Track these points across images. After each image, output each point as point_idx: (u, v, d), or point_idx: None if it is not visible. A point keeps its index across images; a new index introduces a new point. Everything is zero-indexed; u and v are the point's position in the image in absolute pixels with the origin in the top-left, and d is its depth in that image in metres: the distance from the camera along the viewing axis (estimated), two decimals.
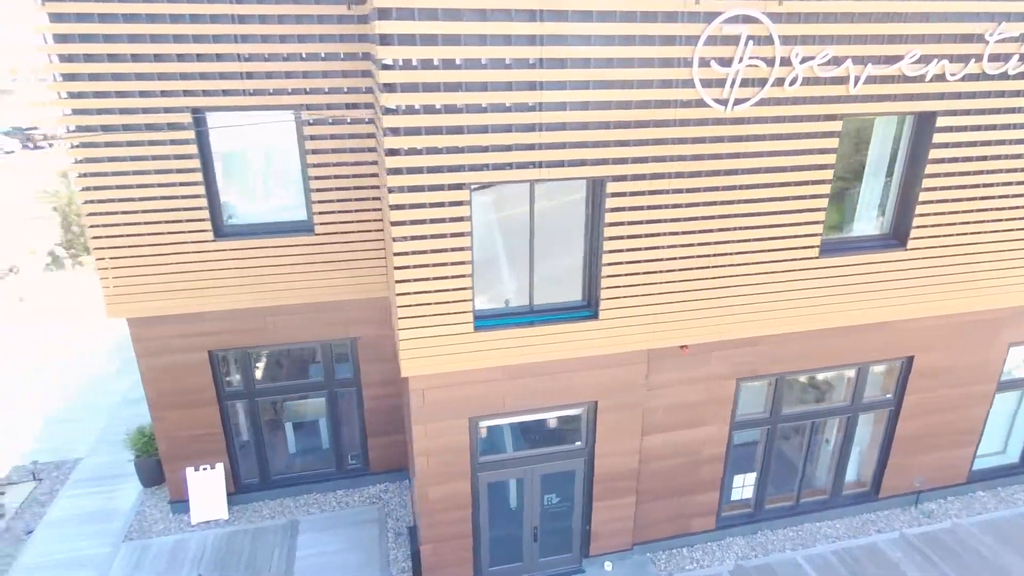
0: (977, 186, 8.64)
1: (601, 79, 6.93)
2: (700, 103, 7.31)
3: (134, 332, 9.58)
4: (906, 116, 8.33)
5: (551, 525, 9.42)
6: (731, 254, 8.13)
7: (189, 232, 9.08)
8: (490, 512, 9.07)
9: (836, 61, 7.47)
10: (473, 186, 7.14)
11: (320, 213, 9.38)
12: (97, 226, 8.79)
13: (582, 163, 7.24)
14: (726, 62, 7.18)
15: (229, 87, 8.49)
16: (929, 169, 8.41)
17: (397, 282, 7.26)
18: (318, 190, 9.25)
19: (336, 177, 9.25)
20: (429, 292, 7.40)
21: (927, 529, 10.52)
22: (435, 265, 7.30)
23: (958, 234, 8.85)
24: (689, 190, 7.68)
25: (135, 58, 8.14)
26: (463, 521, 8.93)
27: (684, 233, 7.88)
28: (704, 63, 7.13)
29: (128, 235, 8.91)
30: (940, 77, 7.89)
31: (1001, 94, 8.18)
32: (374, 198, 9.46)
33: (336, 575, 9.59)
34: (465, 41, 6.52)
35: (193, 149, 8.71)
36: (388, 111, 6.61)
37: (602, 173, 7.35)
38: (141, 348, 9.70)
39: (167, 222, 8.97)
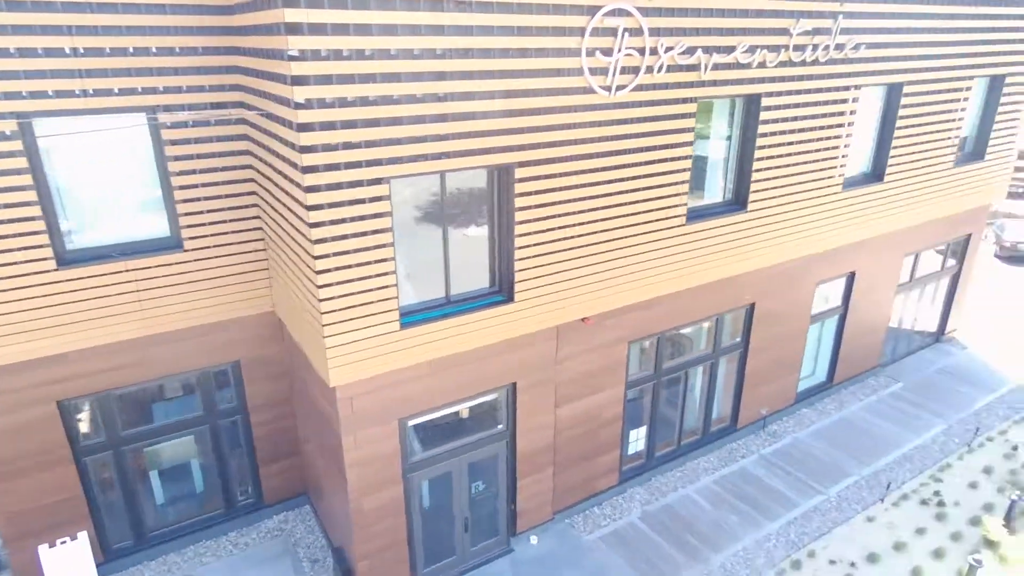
0: (791, 154, 10.41)
1: (503, 69, 7.18)
2: (588, 90, 7.90)
3: None
4: (739, 98, 9.74)
5: (479, 512, 9.54)
6: (618, 228, 8.90)
7: (24, 263, 7.59)
8: (422, 513, 8.93)
9: (690, 51, 8.54)
10: (390, 180, 6.97)
11: (189, 227, 8.40)
12: None
13: (491, 151, 7.43)
14: (608, 52, 7.84)
15: (62, 87, 7.24)
16: (758, 143, 9.95)
17: (320, 287, 6.85)
18: (185, 201, 8.28)
19: (205, 185, 8.35)
20: (353, 294, 7.09)
21: (776, 447, 12.48)
22: (358, 265, 7.02)
23: (782, 195, 10.60)
24: (582, 171, 8.25)
25: None
26: (397, 528, 8.68)
27: (580, 212, 8.45)
28: (590, 53, 7.72)
29: None
30: (762, 64, 9.38)
31: (804, 78, 9.95)
32: (249, 205, 8.70)
33: None
34: (376, 31, 6.35)
35: (21, 163, 7.29)
36: (300, 106, 6.21)
37: (509, 160, 7.61)
38: None
39: None
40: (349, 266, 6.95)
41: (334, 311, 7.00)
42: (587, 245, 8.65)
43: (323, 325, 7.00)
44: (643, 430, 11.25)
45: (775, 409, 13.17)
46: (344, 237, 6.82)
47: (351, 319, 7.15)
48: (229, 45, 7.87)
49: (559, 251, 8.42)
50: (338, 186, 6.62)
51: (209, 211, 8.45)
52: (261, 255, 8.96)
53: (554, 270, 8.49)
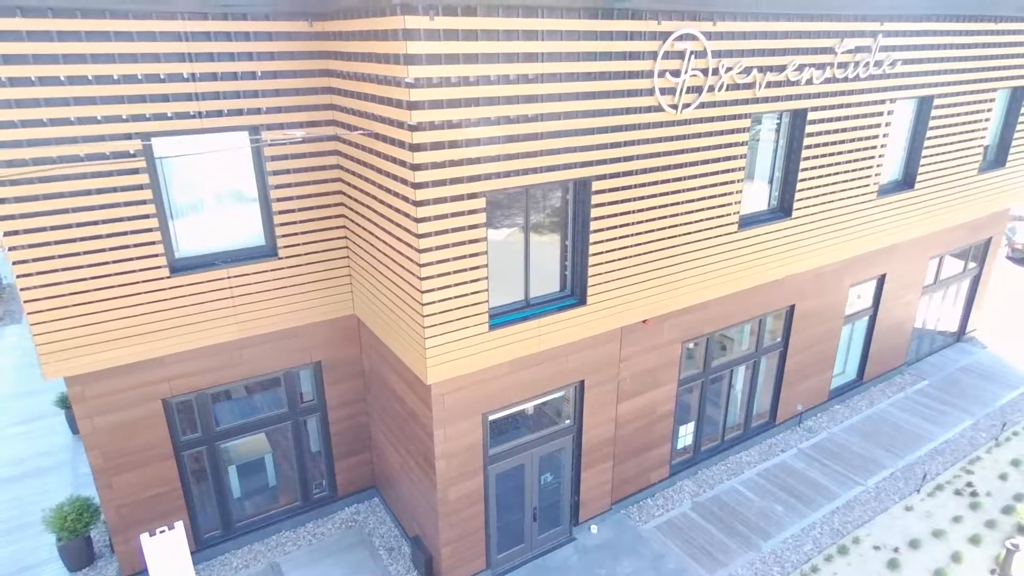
0: (832, 164, 11.07)
1: (586, 91, 7.83)
2: (658, 108, 8.55)
3: (75, 391, 8.39)
4: (787, 113, 10.39)
5: (546, 503, 10.16)
6: (679, 235, 9.54)
7: (141, 271, 8.22)
8: (497, 503, 9.55)
9: (747, 70, 9.19)
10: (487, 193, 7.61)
11: (284, 236, 9.03)
12: (28, 275, 7.60)
13: (572, 166, 8.07)
14: (676, 73, 8.49)
15: (179, 109, 7.89)
16: (803, 154, 10.60)
17: (424, 292, 7.47)
18: (280, 212, 8.92)
19: (298, 197, 8.99)
20: (451, 299, 7.71)
21: (813, 441, 13.12)
22: (456, 272, 7.64)
23: (824, 203, 11.25)
24: (650, 183, 8.90)
25: (71, 80, 7.24)
26: (476, 517, 9.31)
27: (646, 220, 9.09)
28: (661, 74, 8.37)
29: (68, 280, 7.84)
30: (810, 81, 10.04)
31: (846, 93, 10.61)
32: (335, 216, 9.34)
33: None
34: (481, 59, 7.00)
35: (143, 179, 7.93)
36: (414, 128, 6.85)
37: (587, 174, 8.25)
38: (84, 409, 8.52)
39: (114, 262, 8.04)
40: (448, 273, 7.58)
41: (434, 314, 7.63)
42: (651, 251, 9.29)
43: (424, 327, 7.63)
44: (691, 425, 11.89)
45: (810, 406, 13.81)
46: (445, 247, 7.45)
47: (448, 322, 7.78)
48: (323, 68, 8.51)
49: (627, 257, 9.06)
50: (443, 200, 7.25)
51: (302, 221, 9.09)
52: (344, 263, 9.60)
53: (622, 275, 9.12)
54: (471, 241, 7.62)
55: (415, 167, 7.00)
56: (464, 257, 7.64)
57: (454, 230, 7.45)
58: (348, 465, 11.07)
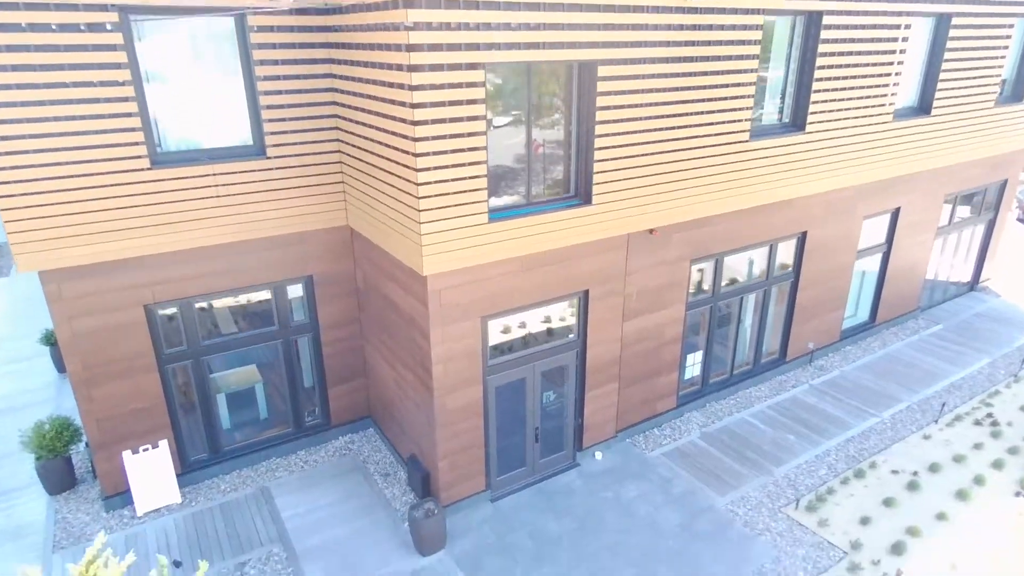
0: (847, 78, 10.59)
1: None
2: None
3: (51, 290, 7.93)
4: (801, 16, 9.90)
5: (548, 425, 9.71)
6: (689, 138, 9.08)
7: (119, 159, 7.76)
8: (497, 418, 9.10)
9: None
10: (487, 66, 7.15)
11: (272, 134, 8.58)
12: None
13: (577, 45, 7.60)
14: None
15: None
16: (818, 63, 10.12)
17: (419, 171, 7.02)
18: (269, 107, 8.46)
19: (289, 92, 8.52)
20: (448, 181, 7.25)
21: (825, 378, 12.65)
22: (453, 151, 7.18)
23: (838, 120, 10.77)
24: (659, 75, 8.43)
25: None
26: (475, 430, 8.85)
27: (655, 117, 8.63)
28: None
29: (41, 164, 7.38)
30: None
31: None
32: (329, 116, 8.87)
33: (338, 528, 8.89)
34: None
35: (121, 57, 7.46)
36: None
37: (593, 56, 7.77)
38: (61, 310, 8.06)
39: (91, 147, 7.58)
40: (445, 152, 7.11)
41: (430, 196, 7.17)
42: (660, 153, 8.83)
43: (420, 211, 7.17)
44: (699, 355, 11.42)
45: (821, 345, 13.34)
46: (442, 121, 6.98)
47: (444, 207, 7.32)
48: None
49: (634, 156, 8.60)
50: (439, 67, 6.78)
51: (292, 119, 8.63)
52: (336, 170, 9.14)
53: (629, 175, 8.66)
54: (469, 118, 7.15)
55: (409, 27, 6.53)
56: (463, 136, 7.18)
57: (451, 103, 6.98)
58: (342, 392, 10.61)
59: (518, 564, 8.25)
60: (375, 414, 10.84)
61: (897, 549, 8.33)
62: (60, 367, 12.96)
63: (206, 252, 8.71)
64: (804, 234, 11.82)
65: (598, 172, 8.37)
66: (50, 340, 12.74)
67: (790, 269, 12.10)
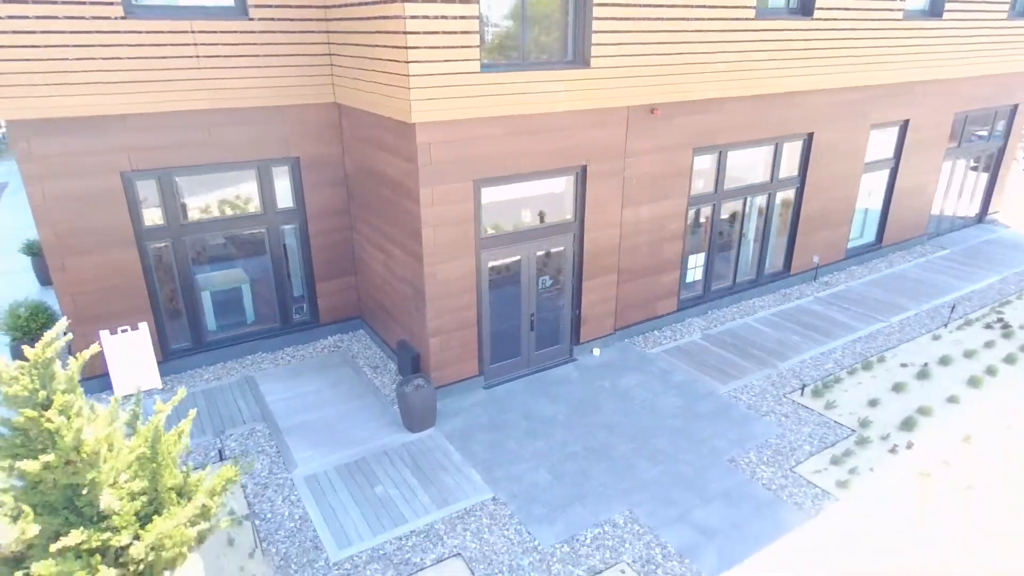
0: None
1: None
2: None
3: (21, 148, 7.54)
4: None
5: (545, 316, 9.34)
6: (693, 6, 8.66)
7: (93, 4, 7.35)
8: (491, 300, 8.73)
9: None
10: None
11: None
12: None
13: None
14: None
15: None
16: None
17: (407, 18, 6.61)
18: None
19: None
20: (438, 18, 6.84)
21: (831, 291, 12.28)
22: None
23: (847, 8, 10.35)
24: None
25: None
26: (468, 308, 8.48)
27: None
28: None
29: (10, 1, 6.97)
30: None
31: None
32: None
33: (324, 409, 8.54)
34: None
35: None
36: None
37: None
38: (31, 170, 7.67)
39: None
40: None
41: (418, 33, 6.76)
42: (661, 19, 8.41)
43: (408, 48, 6.77)
44: (701, 257, 11.04)
45: (826, 261, 12.95)
46: None
47: (435, 47, 6.92)
48: None
49: (635, 19, 8.19)
50: None
51: None
52: (323, 44, 8.74)
53: (629, 40, 8.26)
54: None
55: None
56: None
57: None
58: (331, 288, 10.23)
59: (510, 439, 7.90)
60: (365, 314, 10.48)
61: (907, 425, 7.98)
62: (42, 280, 12.61)
63: (185, 118, 8.31)
64: (811, 136, 11.41)
65: (596, 32, 7.96)
66: (32, 250, 12.36)
67: (795, 175, 11.70)
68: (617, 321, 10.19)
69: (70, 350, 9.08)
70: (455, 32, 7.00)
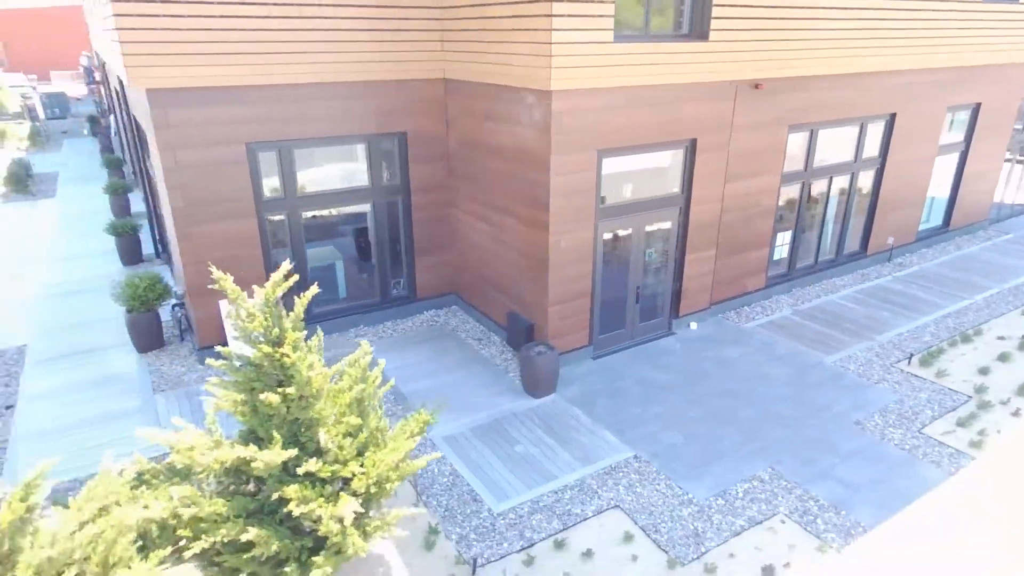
0: None
1: None
2: None
3: (158, 115, 7.70)
4: None
5: (647, 288, 9.48)
6: None
7: None
8: (603, 271, 8.87)
9: None
10: None
11: None
12: None
13: None
14: None
15: None
16: None
17: None
18: None
19: None
20: (577, 2, 7.01)
21: (907, 272, 12.41)
22: None
23: None
24: None
25: None
26: (584, 278, 8.62)
27: None
28: None
29: None
30: None
31: None
32: None
33: (440, 377, 8.68)
34: None
35: None
36: None
37: None
38: (166, 137, 7.83)
39: None
40: None
41: (563, 7, 6.92)
42: None
43: (552, 16, 6.92)
44: (788, 235, 11.18)
45: (899, 243, 13.09)
46: None
47: (576, 16, 7.08)
48: None
49: None
50: None
51: None
52: (435, 19, 8.90)
53: (745, 15, 8.41)
54: None
55: None
56: None
57: None
58: (429, 264, 10.38)
59: (632, 404, 8.04)
60: (461, 289, 10.62)
61: None
62: (125, 260, 12.77)
63: (304, 91, 8.47)
64: (893, 116, 11.55)
65: (717, 5, 8.12)
66: (116, 230, 12.51)
67: (876, 156, 11.84)
68: (712, 296, 10.32)
69: (180, 334, 9.24)
70: (594, 1, 7.15)
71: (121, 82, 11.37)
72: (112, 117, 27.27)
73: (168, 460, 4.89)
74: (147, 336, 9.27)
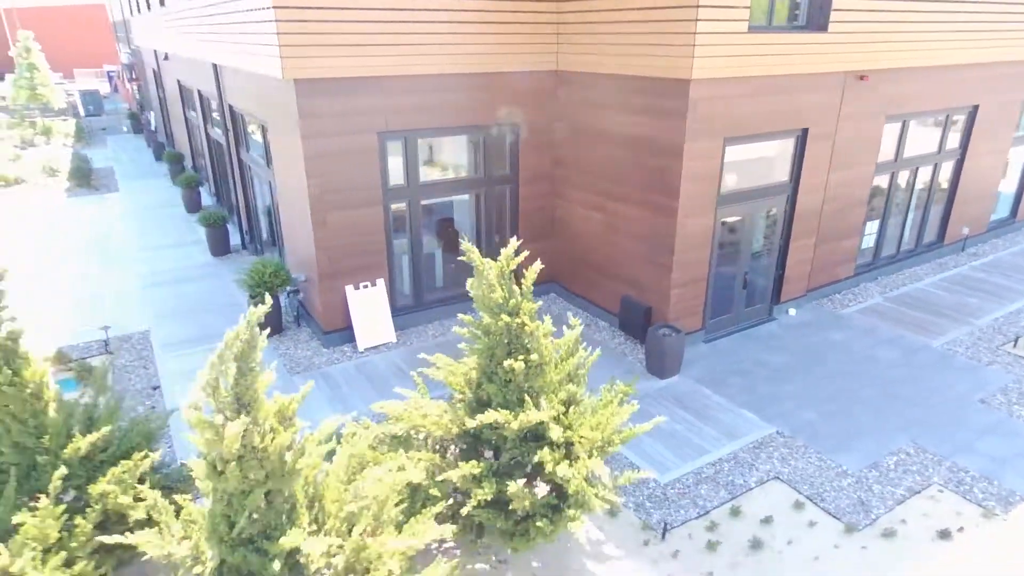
0: None
1: None
2: None
3: (303, 104, 7.95)
4: None
5: (753, 275, 9.73)
6: None
7: None
8: (716, 256, 9.12)
9: None
10: None
11: None
12: None
13: None
14: None
15: None
16: None
17: None
18: None
19: None
20: None
21: (983, 261, 12.65)
22: None
23: None
24: None
25: None
26: (702, 263, 8.88)
27: None
28: None
29: None
30: None
31: None
32: None
33: None
34: None
35: None
36: None
37: None
38: (309, 126, 8.08)
39: None
40: None
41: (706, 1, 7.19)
42: None
43: (698, 6, 7.18)
44: (876, 224, 11.44)
45: (973, 234, 13.34)
46: None
47: (717, 6, 7.33)
48: None
49: None
50: None
51: None
52: (552, 14, 9.16)
53: (861, 6, 8.66)
54: None
55: None
56: None
57: None
58: (533, 252, 10.53)
59: (757, 384, 8.29)
60: (562, 278, 10.87)
61: None
62: (214, 251, 13.02)
63: (428, 82, 8.72)
64: (975, 108, 11.80)
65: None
66: (208, 221, 12.77)
67: (957, 147, 12.09)
68: (809, 283, 10.58)
69: (297, 320, 9.48)
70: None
71: (217, 70, 11.60)
72: (152, 114, 27.60)
73: (384, 429, 5.15)
74: (268, 321, 9.51)
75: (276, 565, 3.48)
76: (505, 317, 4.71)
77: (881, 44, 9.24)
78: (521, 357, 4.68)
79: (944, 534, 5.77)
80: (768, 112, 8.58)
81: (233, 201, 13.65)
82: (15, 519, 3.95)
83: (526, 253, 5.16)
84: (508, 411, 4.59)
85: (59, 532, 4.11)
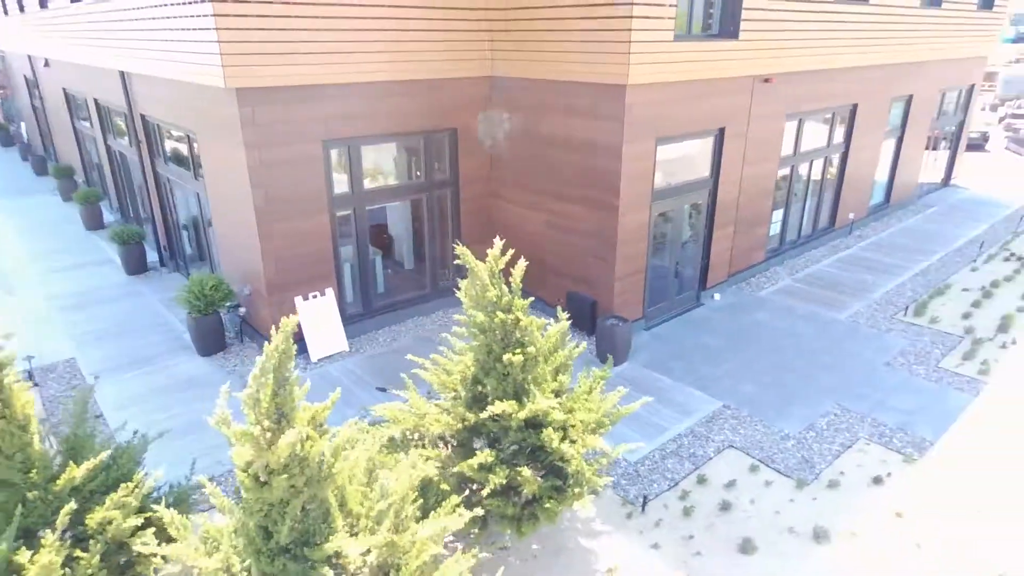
0: None
1: None
2: None
3: (246, 113, 7.78)
4: None
5: (682, 264, 10.49)
6: None
7: None
8: (652, 248, 9.76)
9: None
10: None
11: None
12: None
13: None
14: None
15: None
16: None
17: None
18: None
19: None
20: (650, 5, 7.85)
21: (869, 241, 14.26)
22: None
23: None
24: None
25: None
26: (641, 256, 9.48)
27: None
28: None
29: None
30: None
31: None
32: None
33: None
34: None
35: None
36: None
37: None
38: (252, 136, 7.92)
39: None
40: None
41: (642, 9, 7.73)
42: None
43: (632, 17, 7.72)
44: (780, 213, 12.60)
45: (858, 217, 14.95)
46: None
47: (649, 18, 7.91)
48: None
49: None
50: None
51: None
52: (482, 20, 9.46)
53: (766, 16, 9.59)
54: None
55: None
56: None
57: None
58: (477, 253, 10.82)
59: (699, 364, 9.00)
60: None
61: (1003, 328, 9.82)
62: (130, 269, 12.27)
63: (371, 89, 8.78)
64: (855, 106, 13.27)
65: (746, 9, 9.22)
66: (122, 239, 12.01)
67: (841, 142, 13.54)
68: (730, 268, 11.51)
69: (240, 335, 9.25)
70: (662, 4, 8.01)
71: (126, 78, 10.97)
72: (23, 124, 25.22)
73: (382, 432, 5.27)
74: (211, 339, 9.18)
75: (326, 571, 3.56)
76: (500, 314, 4.96)
77: (782, 50, 10.26)
78: (518, 351, 4.95)
79: (877, 480, 6.62)
80: (691, 114, 9.32)
81: (147, 217, 12.90)
82: (17, 558, 3.74)
83: (511, 252, 5.40)
84: (512, 402, 4.84)
85: (61, 569, 3.93)
